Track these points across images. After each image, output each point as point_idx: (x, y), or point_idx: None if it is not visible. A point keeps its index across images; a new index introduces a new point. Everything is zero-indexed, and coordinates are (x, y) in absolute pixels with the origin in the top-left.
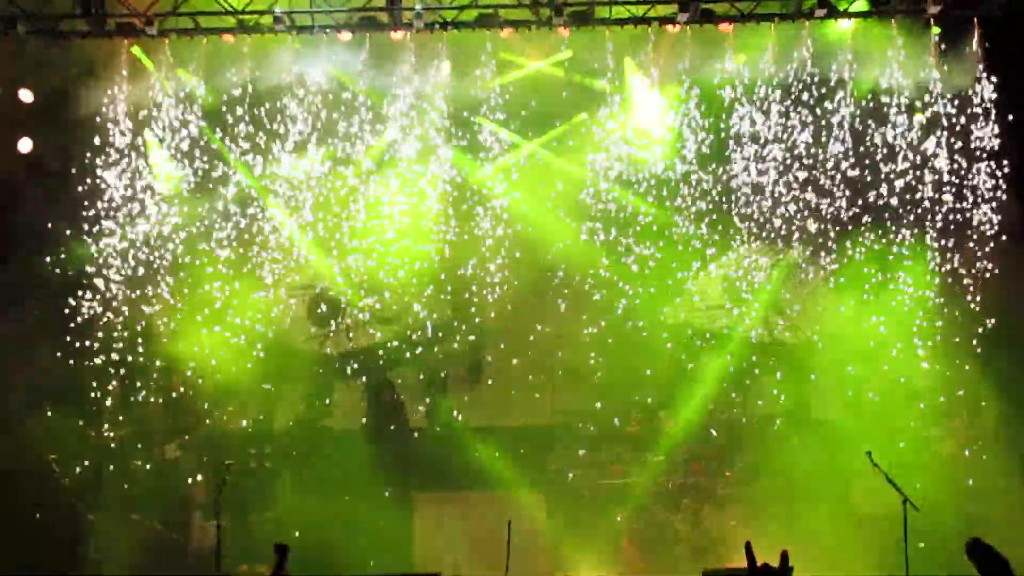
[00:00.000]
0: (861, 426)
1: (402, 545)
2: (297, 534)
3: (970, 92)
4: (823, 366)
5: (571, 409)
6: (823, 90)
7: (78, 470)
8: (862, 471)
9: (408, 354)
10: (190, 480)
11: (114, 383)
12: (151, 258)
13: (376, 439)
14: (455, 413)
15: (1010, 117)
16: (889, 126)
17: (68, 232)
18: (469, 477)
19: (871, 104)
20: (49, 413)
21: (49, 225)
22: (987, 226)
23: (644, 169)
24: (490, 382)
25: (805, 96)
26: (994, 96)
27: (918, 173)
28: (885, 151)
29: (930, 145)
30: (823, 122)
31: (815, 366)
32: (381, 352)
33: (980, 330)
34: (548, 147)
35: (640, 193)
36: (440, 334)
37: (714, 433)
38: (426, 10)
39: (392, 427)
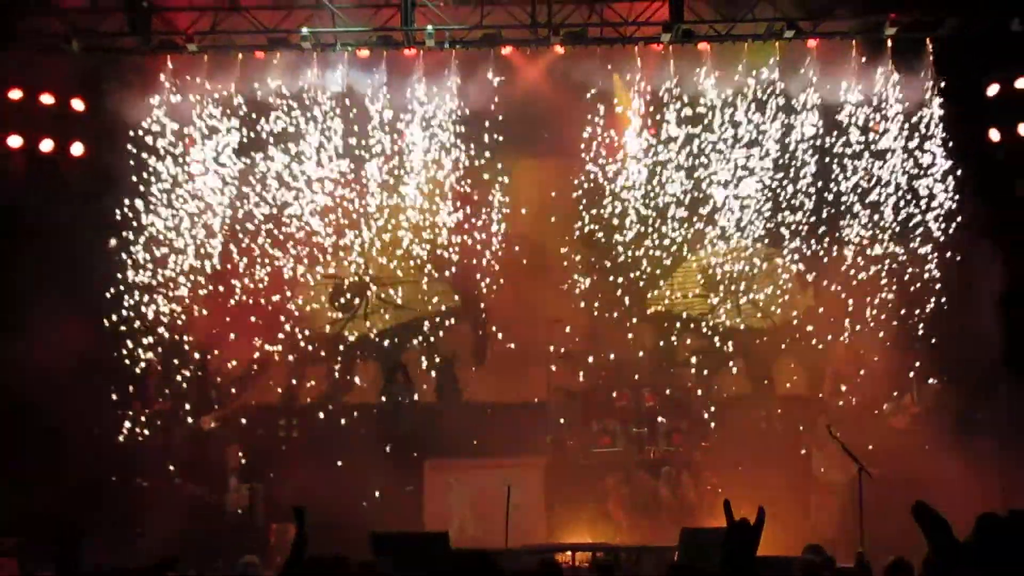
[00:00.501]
0: (821, 402)
1: (413, 507)
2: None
3: (922, 109)
4: (788, 348)
5: (565, 386)
6: (790, 102)
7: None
8: (822, 442)
9: (419, 337)
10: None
11: (156, 362)
12: (191, 250)
13: (390, 413)
14: (461, 389)
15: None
16: (848, 137)
17: (116, 224)
18: (473, 447)
19: (833, 116)
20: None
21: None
22: (935, 230)
23: (631, 174)
24: (492, 362)
25: (773, 107)
26: (942, 112)
27: (873, 180)
28: (844, 159)
29: (885, 155)
30: (790, 132)
31: (781, 348)
32: (395, 335)
33: (924, 316)
34: (544, 153)
35: (627, 196)
36: (448, 320)
37: (692, 408)
38: (436, 30)
39: (404, 402)
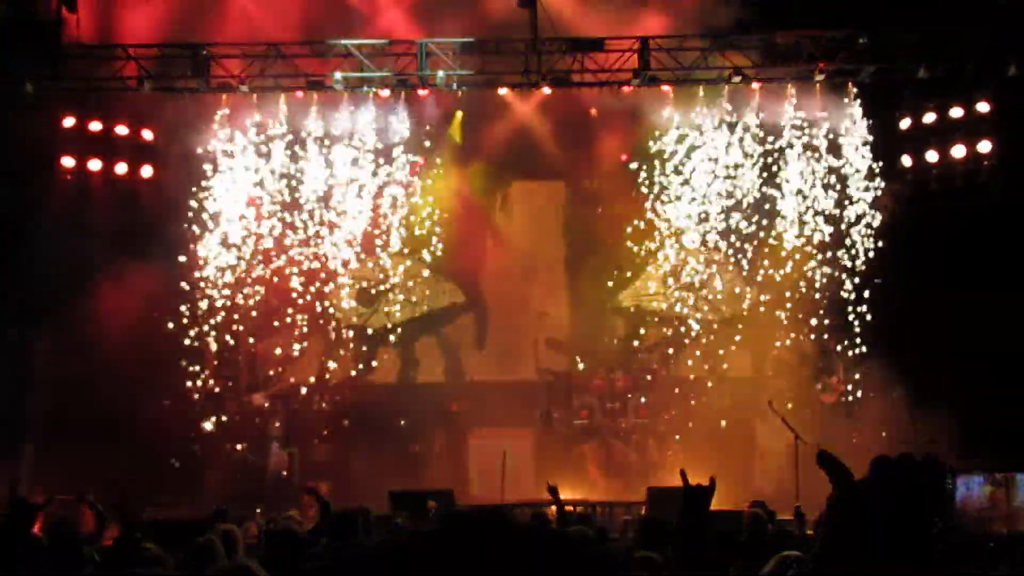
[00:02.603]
0: (764, 382)
1: (422, 470)
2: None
3: (846, 139)
4: (736, 337)
5: (551, 369)
6: (738, 134)
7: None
8: (764, 416)
9: (430, 328)
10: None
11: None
12: (244, 257)
13: (405, 390)
14: (464, 371)
15: (875, 166)
16: (786, 159)
17: (181, 234)
18: (475, 419)
19: (775, 144)
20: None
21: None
22: (858, 237)
23: (607, 192)
24: (491, 349)
25: (724, 139)
26: (868, 141)
27: (806, 196)
28: (785, 181)
29: (817, 173)
30: (738, 158)
31: (730, 337)
32: (410, 326)
33: (852, 309)
34: (532, 175)
35: (602, 211)
36: (454, 314)
37: (656, 387)
38: (447, 75)
39: (417, 381)
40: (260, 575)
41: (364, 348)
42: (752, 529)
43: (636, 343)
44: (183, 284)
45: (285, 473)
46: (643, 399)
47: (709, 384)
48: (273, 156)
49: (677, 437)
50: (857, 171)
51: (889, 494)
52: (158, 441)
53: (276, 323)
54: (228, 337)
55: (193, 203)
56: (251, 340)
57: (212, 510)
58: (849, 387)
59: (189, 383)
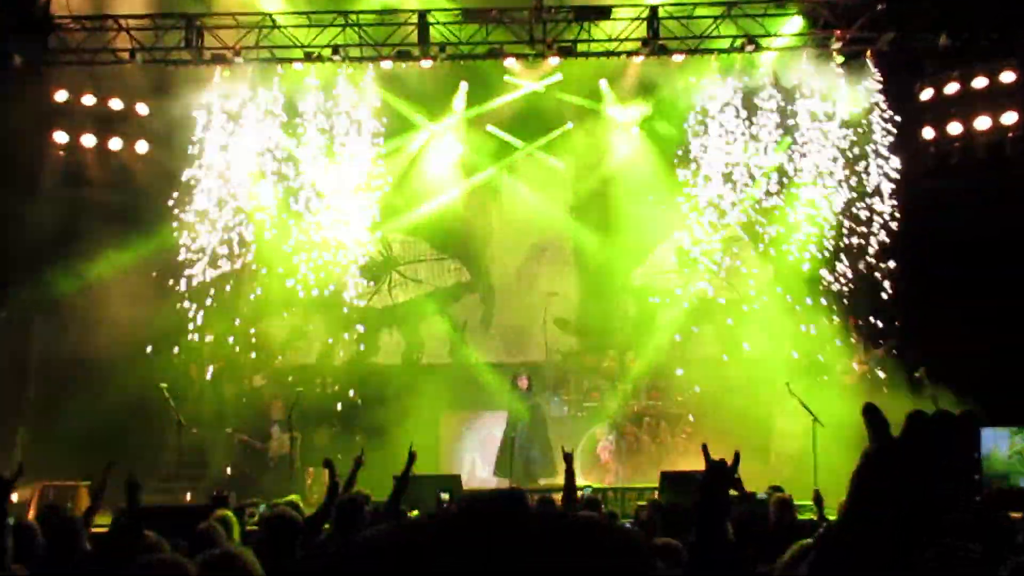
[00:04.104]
0: (781, 362)
1: (430, 452)
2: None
3: (864, 111)
4: (753, 317)
5: (560, 349)
6: (753, 106)
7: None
8: (782, 398)
9: (435, 307)
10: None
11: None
12: (239, 232)
13: (411, 371)
14: (471, 352)
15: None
16: (801, 133)
17: (176, 211)
18: (482, 400)
19: (790, 117)
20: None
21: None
22: (878, 212)
23: (617, 166)
24: (497, 329)
25: (739, 111)
26: (883, 110)
27: (823, 170)
28: (801, 155)
29: (834, 146)
30: (753, 131)
31: (747, 317)
32: (415, 306)
33: (872, 286)
34: (541, 149)
35: (614, 185)
36: (460, 293)
37: (669, 368)
38: (448, 45)
39: (422, 363)
40: (248, 563)
41: (368, 328)
42: (779, 515)
43: (648, 323)
44: (181, 262)
45: (284, 457)
46: (655, 380)
47: (723, 364)
48: (270, 130)
49: (691, 418)
50: (876, 144)
51: (926, 448)
52: (156, 425)
53: (279, 305)
54: (226, 316)
55: (190, 179)
56: (254, 323)
57: (211, 496)
58: (870, 366)
59: (188, 364)
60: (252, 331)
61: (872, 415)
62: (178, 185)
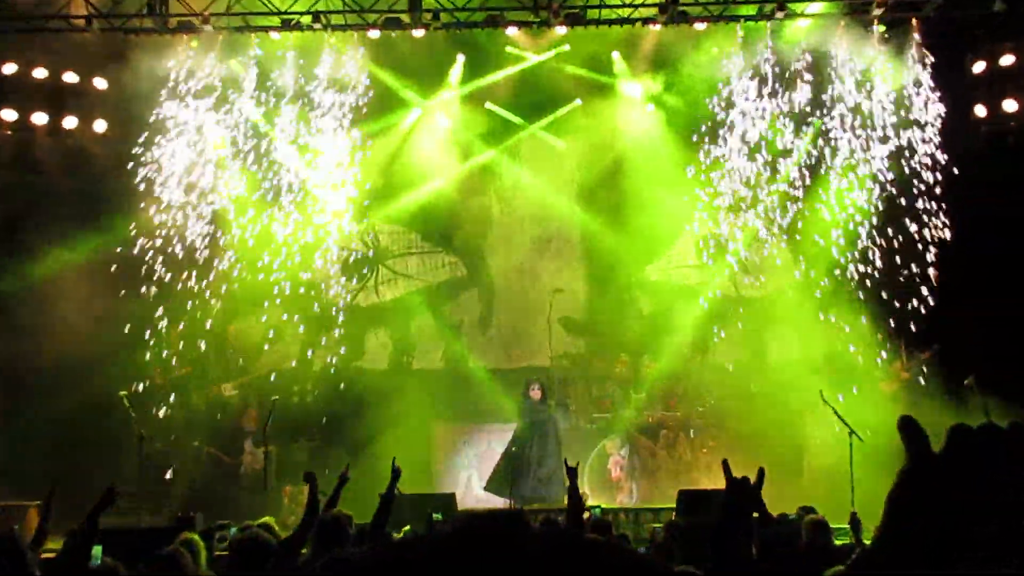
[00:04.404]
0: (813, 368)
1: (421, 469)
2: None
3: (908, 85)
4: (781, 317)
5: (567, 353)
6: (782, 81)
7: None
8: (814, 408)
9: (427, 306)
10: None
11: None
12: (208, 221)
13: (399, 378)
14: (467, 356)
15: (941, 109)
16: (836, 113)
17: (135, 199)
18: (480, 411)
19: (823, 93)
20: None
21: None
22: (921, 200)
23: (630, 147)
24: (497, 330)
25: (766, 87)
26: (930, 86)
27: (861, 152)
28: (837, 136)
29: (874, 126)
30: (782, 108)
31: (774, 317)
32: (405, 304)
33: (915, 282)
34: (546, 129)
35: (627, 169)
36: (455, 289)
37: (688, 373)
38: (442, 12)
39: (413, 367)
40: None
41: (351, 329)
42: (811, 538)
43: (665, 323)
44: (143, 256)
45: (257, 473)
46: (673, 388)
47: (748, 370)
48: (243, 108)
49: (711, 432)
50: (921, 123)
51: (970, 465)
52: (115, 438)
53: (248, 301)
54: (194, 316)
55: (154, 162)
56: (220, 320)
57: (176, 517)
58: (913, 373)
59: (150, 370)
60: (223, 333)
61: (909, 428)
62: (140, 169)
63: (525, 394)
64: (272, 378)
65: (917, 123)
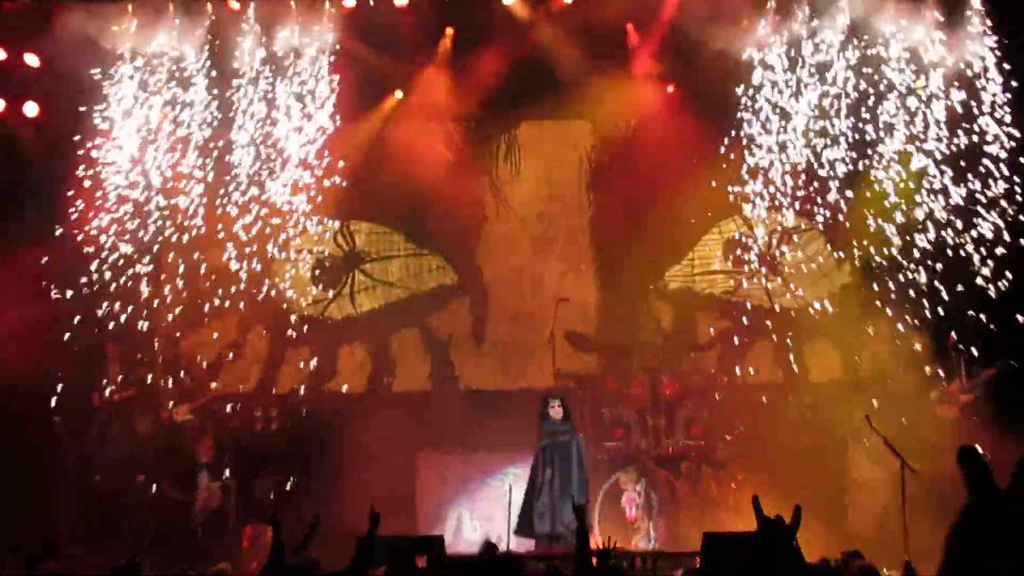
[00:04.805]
0: (859, 389)
1: (403, 506)
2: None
3: (969, 57)
4: (821, 330)
5: (573, 372)
6: (822, 58)
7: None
8: (860, 436)
9: (411, 317)
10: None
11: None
12: (154, 219)
13: (378, 401)
14: (457, 375)
15: (1004, 100)
16: (889, 91)
17: (72, 193)
18: (472, 438)
19: (873, 71)
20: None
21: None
22: (993, 190)
23: (646, 133)
24: (492, 345)
25: (803, 63)
26: (1001, 64)
27: (917, 138)
28: (889, 120)
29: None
30: (827, 89)
31: (814, 330)
32: (385, 316)
33: (979, 290)
34: (549, 112)
35: (642, 158)
36: (444, 298)
37: (715, 397)
38: None
39: (394, 389)
40: None
41: (322, 345)
42: None
43: (688, 337)
44: (79, 258)
45: (212, 511)
46: (697, 413)
47: (785, 392)
48: (196, 87)
49: (741, 464)
50: (987, 105)
51: None
52: (46, 471)
53: (204, 315)
54: (139, 329)
55: (93, 149)
56: (169, 334)
57: (119, 564)
58: (975, 395)
59: (88, 391)
60: (173, 348)
61: (969, 461)
62: (77, 158)
63: (543, 413)
64: (230, 402)
65: (980, 105)
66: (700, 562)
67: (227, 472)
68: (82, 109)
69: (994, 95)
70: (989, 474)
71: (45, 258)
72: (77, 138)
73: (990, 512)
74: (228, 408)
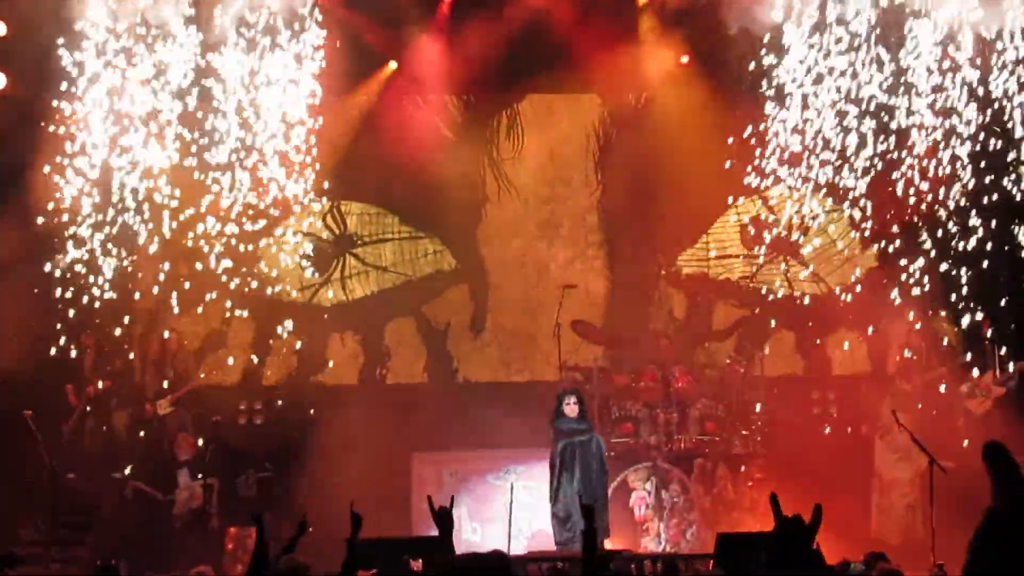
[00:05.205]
0: (885, 383)
1: (398, 507)
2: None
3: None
4: (847, 320)
5: (580, 364)
6: (849, 26)
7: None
8: (886, 432)
9: (407, 305)
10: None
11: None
12: (130, 196)
13: (371, 394)
14: (456, 368)
15: None
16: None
17: (45, 170)
18: (469, 434)
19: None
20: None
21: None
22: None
23: (659, 109)
24: (493, 335)
25: (830, 31)
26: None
27: (948, 110)
28: (915, 94)
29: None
30: (850, 60)
31: (838, 320)
32: (379, 302)
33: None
34: (555, 86)
35: (654, 135)
36: (442, 284)
37: (731, 390)
38: None
39: (388, 381)
40: None
41: (311, 335)
42: None
43: (702, 327)
44: (50, 238)
45: (193, 512)
46: (712, 408)
47: (806, 385)
48: (174, 57)
49: (759, 462)
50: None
51: None
52: (17, 468)
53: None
54: (116, 317)
55: (64, 122)
56: (148, 322)
57: (95, 567)
58: (1008, 388)
59: (62, 383)
60: (152, 336)
61: (996, 458)
62: (47, 131)
63: (557, 410)
64: (212, 395)
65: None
66: (714, 564)
67: (209, 470)
68: (59, 84)
69: None
70: (1017, 472)
71: (12, 247)
72: (49, 110)
73: (1015, 516)
74: (211, 401)
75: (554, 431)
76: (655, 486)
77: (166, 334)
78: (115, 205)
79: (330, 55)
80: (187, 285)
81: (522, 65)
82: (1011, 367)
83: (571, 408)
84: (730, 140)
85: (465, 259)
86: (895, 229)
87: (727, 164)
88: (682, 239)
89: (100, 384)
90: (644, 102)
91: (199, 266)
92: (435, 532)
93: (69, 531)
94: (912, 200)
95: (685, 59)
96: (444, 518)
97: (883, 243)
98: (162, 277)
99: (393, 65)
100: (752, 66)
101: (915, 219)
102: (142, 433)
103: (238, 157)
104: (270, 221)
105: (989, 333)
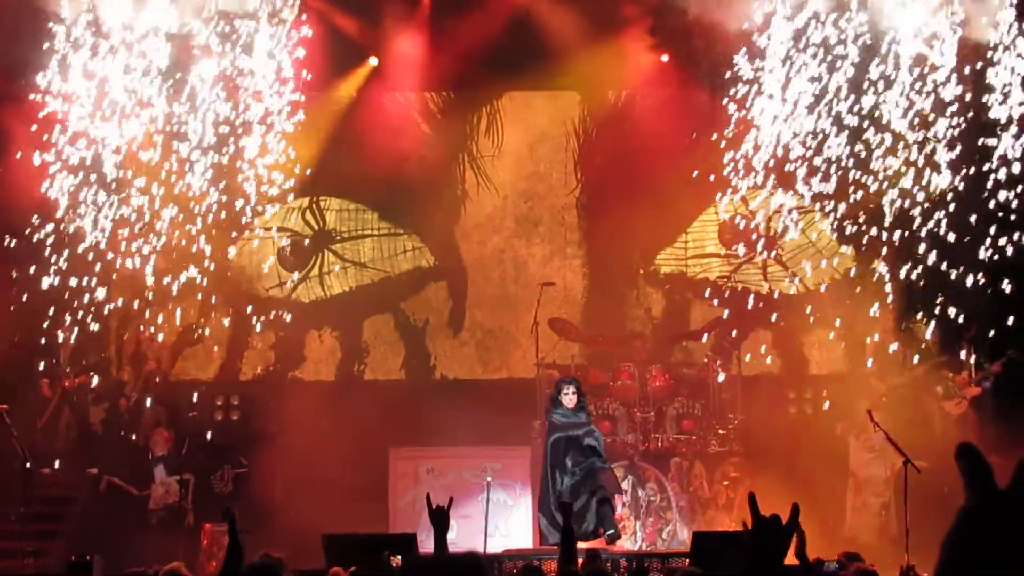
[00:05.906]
0: (862, 383)
1: (375, 503)
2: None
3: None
4: (824, 319)
5: (557, 362)
6: (831, 27)
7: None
8: (861, 431)
9: (384, 301)
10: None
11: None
12: (106, 186)
13: (348, 391)
14: (434, 364)
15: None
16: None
17: (19, 156)
18: (446, 431)
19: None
20: None
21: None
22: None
23: (639, 106)
24: (471, 332)
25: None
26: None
27: (926, 118)
28: (896, 102)
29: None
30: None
31: (816, 319)
32: (357, 299)
33: (989, 278)
34: (534, 83)
35: (633, 132)
36: (420, 281)
37: (708, 389)
38: None
39: (365, 378)
40: None
41: (288, 331)
42: None
43: (680, 326)
44: (22, 227)
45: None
46: (689, 406)
47: (783, 385)
48: (152, 48)
49: (735, 460)
50: (1007, 88)
51: None
52: None
53: (161, 291)
54: (93, 310)
55: (41, 112)
56: (125, 316)
57: (70, 561)
58: (983, 388)
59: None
60: (127, 331)
61: (969, 458)
62: (22, 119)
63: (554, 399)
64: (188, 390)
65: (1002, 85)
66: (689, 563)
67: (185, 465)
68: (35, 74)
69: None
70: (989, 473)
71: None
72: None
73: (987, 517)
74: (187, 396)
75: (548, 424)
76: (632, 484)
77: (142, 328)
78: (88, 195)
79: (310, 50)
80: (165, 280)
81: (502, 62)
82: (988, 368)
83: (569, 399)
84: (713, 137)
85: (444, 256)
86: (872, 230)
87: (704, 164)
88: (660, 238)
89: (76, 379)
90: (624, 100)
91: (183, 267)
92: (411, 529)
93: (43, 525)
94: (886, 199)
95: (665, 58)
96: (440, 517)
97: (860, 241)
98: (146, 272)
99: (373, 61)
100: (732, 68)
101: (890, 218)
102: (118, 428)
103: (216, 150)
104: (249, 216)
105: (972, 334)
